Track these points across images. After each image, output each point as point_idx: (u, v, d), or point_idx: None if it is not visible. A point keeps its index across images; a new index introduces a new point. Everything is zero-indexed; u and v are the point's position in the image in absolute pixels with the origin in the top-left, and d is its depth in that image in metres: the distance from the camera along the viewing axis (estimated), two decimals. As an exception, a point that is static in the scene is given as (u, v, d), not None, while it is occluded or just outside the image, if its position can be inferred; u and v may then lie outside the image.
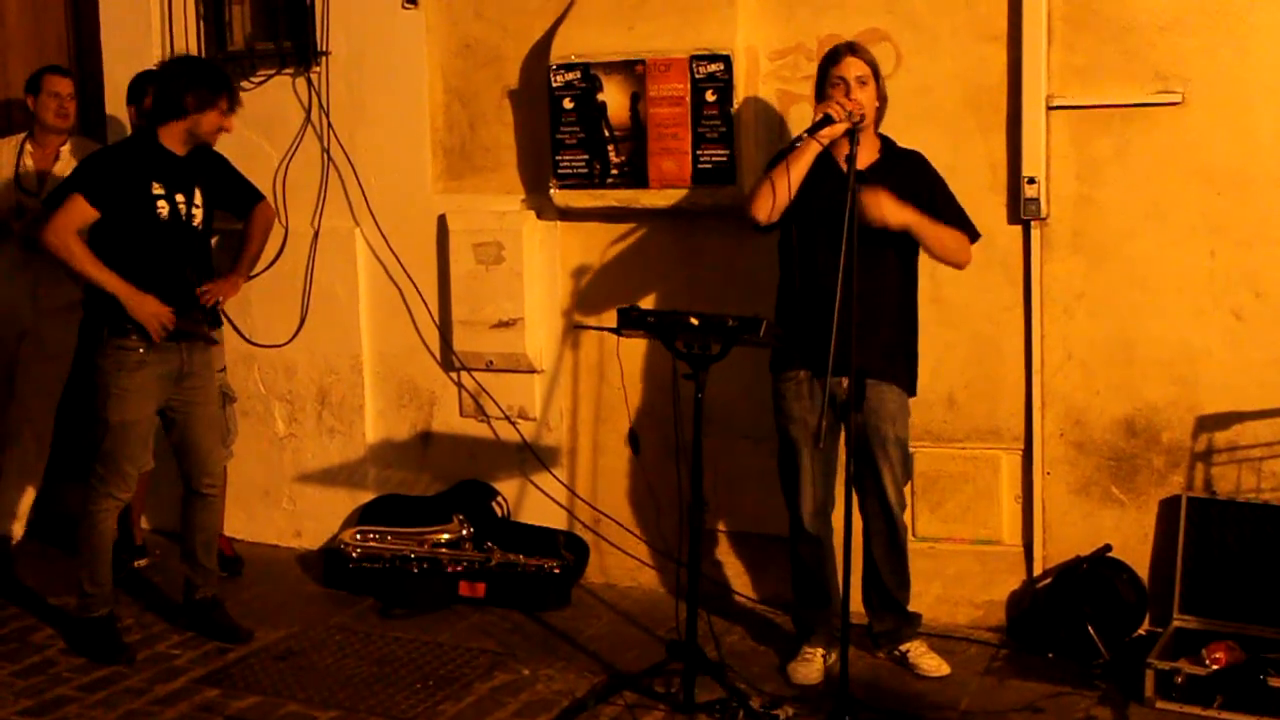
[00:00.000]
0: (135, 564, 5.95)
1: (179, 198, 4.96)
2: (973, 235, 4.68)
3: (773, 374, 4.74)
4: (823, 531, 4.74)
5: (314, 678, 4.79)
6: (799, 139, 4.47)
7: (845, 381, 4.38)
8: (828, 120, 4.39)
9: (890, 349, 4.64)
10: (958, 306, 5.07)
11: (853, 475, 4.46)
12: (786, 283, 4.68)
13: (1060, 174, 4.92)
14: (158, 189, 4.91)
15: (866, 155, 4.51)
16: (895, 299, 4.65)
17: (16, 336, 6.10)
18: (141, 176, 4.89)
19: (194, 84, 4.91)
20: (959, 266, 4.69)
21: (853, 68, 4.51)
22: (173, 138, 4.94)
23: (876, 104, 4.56)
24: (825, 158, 4.53)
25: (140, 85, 5.68)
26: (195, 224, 5.07)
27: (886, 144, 4.67)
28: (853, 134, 4.31)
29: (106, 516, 5.01)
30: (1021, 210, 4.95)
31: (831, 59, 4.57)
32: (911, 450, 4.83)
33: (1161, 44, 4.76)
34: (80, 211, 4.82)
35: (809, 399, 4.62)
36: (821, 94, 4.57)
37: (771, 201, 4.50)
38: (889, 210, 4.43)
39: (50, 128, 6.01)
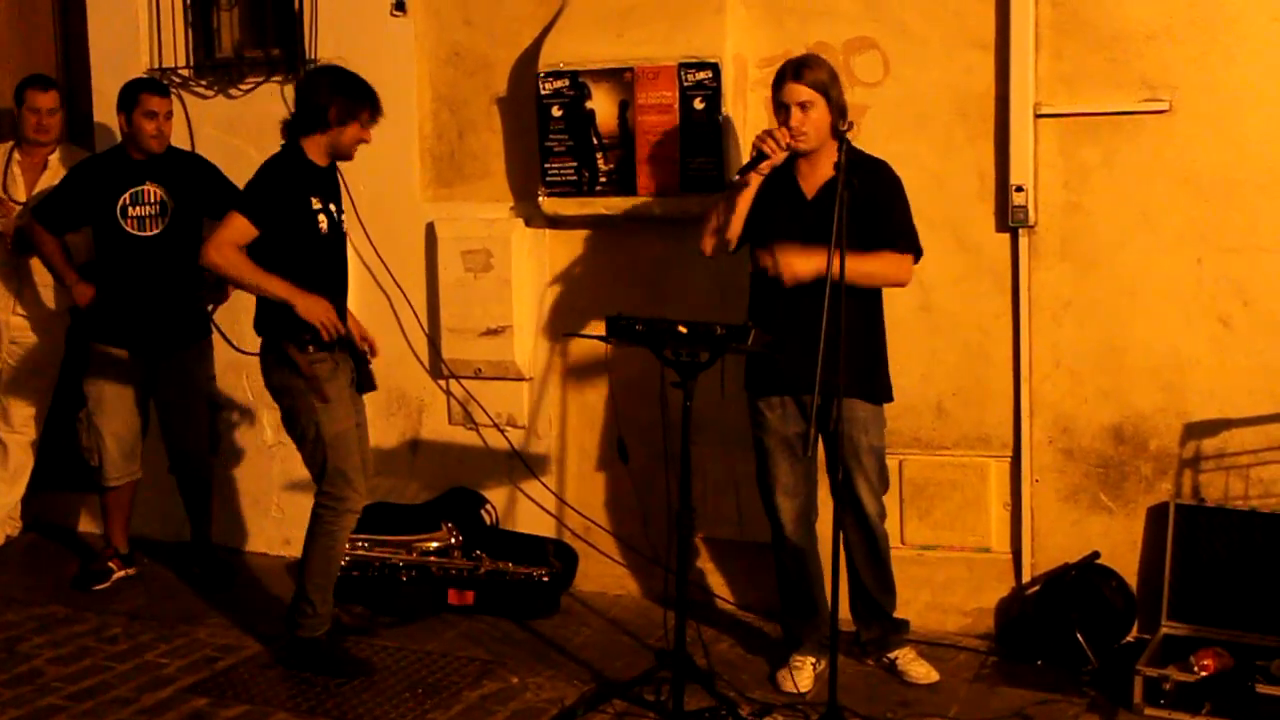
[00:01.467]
0: (121, 573, 5.93)
1: (331, 207, 4.90)
2: (915, 253, 4.62)
3: (749, 393, 4.75)
4: (805, 541, 4.74)
5: (302, 687, 4.77)
6: (743, 171, 4.51)
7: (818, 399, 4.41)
8: (762, 156, 4.45)
9: (853, 365, 4.49)
10: (946, 314, 5.08)
11: (836, 484, 4.50)
12: (756, 303, 4.67)
13: (1048, 182, 4.94)
14: (315, 204, 4.82)
15: (823, 171, 4.48)
16: (856, 316, 4.52)
17: (4, 346, 6.12)
18: (301, 192, 4.79)
19: (336, 94, 4.76)
20: (900, 285, 4.66)
21: (794, 93, 4.48)
22: (316, 150, 4.83)
23: (828, 119, 4.49)
24: (784, 178, 4.57)
25: (130, 93, 5.68)
26: (345, 233, 5.03)
27: (851, 152, 4.61)
28: (760, 160, 4.42)
29: (346, 534, 4.91)
30: (1009, 218, 4.96)
31: (777, 82, 4.55)
32: (901, 458, 4.83)
33: (1149, 52, 4.78)
34: (241, 228, 4.69)
35: (782, 409, 4.63)
36: (775, 111, 4.58)
37: (715, 239, 4.60)
38: (799, 266, 4.41)
39: (31, 142, 6.01)
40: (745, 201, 4.57)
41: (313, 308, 4.71)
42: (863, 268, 4.37)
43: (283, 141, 4.86)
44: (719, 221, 4.60)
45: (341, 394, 4.85)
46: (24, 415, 6.17)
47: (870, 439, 4.66)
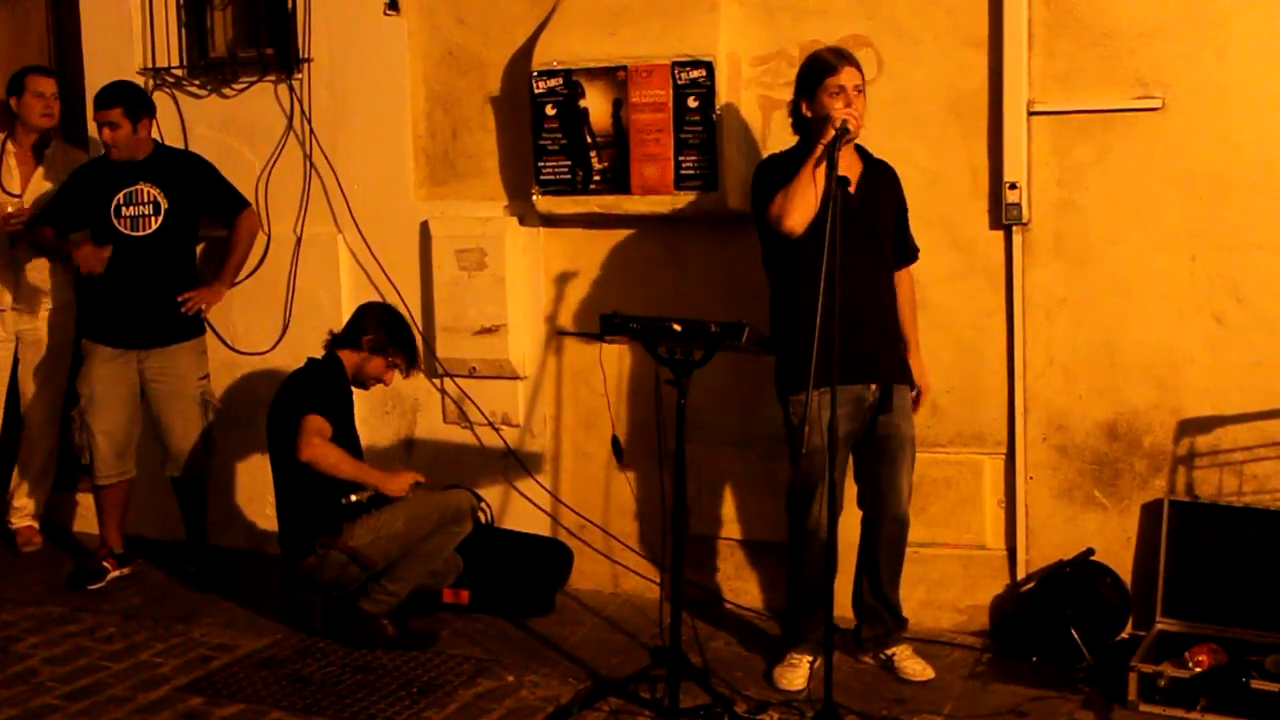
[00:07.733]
0: (116, 572, 5.92)
1: None
2: (915, 254, 4.85)
3: (788, 393, 4.61)
4: (833, 537, 4.63)
5: (297, 685, 4.77)
6: (832, 146, 4.30)
7: (874, 386, 4.59)
8: (845, 131, 4.33)
9: (900, 352, 4.73)
10: (940, 311, 5.08)
11: (865, 477, 4.70)
12: (802, 298, 4.44)
13: (1042, 179, 4.94)
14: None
15: (852, 164, 4.53)
16: (894, 302, 4.73)
17: (13, 338, 6.15)
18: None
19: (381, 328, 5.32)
20: None
21: (854, 77, 4.51)
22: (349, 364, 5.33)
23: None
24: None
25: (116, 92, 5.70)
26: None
27: (862, 152, 4.68)
28: (846, 134, 4.35)
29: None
30: (1003, 216, 4.96)
31: (827, 69, 4.49)
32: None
33: (1142, 50, 4.78)
34: (321, 425, 5.08)
35: (837, 408, 4.38)
36: (814, 101, 4.51)
37: (808, 211, 4.42)
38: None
39: (35, 128, 6.04)
40: (823, 175, 4.37)
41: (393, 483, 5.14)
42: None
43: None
44: (804, 197, 4.42)
45: None
46: (39, 412, 6.20)
47: (910, 428, 4.72)
